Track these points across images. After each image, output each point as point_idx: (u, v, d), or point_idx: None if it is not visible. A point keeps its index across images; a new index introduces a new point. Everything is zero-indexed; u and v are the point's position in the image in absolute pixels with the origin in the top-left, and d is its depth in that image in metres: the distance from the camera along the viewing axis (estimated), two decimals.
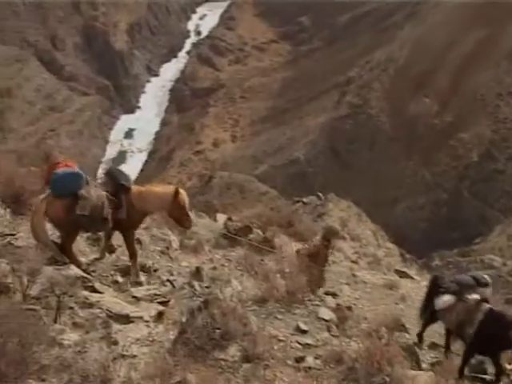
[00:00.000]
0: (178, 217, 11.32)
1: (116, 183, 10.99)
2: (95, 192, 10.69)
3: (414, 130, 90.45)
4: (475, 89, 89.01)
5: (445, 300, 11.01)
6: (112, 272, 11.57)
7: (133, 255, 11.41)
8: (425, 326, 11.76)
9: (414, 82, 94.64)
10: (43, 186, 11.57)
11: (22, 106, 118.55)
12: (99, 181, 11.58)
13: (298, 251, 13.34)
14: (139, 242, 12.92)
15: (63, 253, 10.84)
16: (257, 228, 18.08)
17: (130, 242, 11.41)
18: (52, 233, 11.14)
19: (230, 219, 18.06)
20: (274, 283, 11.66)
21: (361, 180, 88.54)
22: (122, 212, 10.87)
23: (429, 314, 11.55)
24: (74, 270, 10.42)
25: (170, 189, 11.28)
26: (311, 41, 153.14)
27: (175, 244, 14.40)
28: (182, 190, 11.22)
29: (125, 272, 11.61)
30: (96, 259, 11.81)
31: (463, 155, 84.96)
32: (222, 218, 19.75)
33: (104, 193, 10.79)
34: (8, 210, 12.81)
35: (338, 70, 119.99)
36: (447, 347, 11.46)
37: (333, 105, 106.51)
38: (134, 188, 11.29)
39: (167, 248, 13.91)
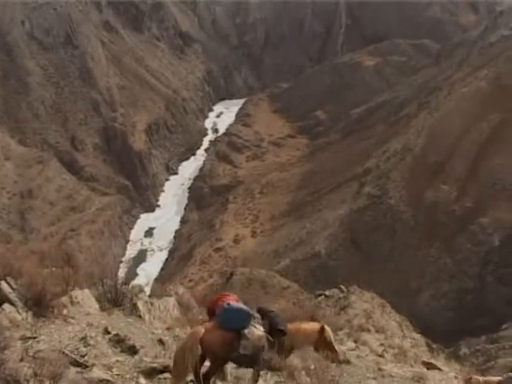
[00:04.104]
0: (324, 352, 11.26)
1: (274, 327, 10.93)
2: (257, 332, 10.65)
3: (433, 218, 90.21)
4: (492, 173, 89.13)
5: None
6: (135, 374, 11.40)
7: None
8: None
9: (431, 170, 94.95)
10: (206, 315, 11.53)
11: (43, 207, 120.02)
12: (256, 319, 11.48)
13: (469, 379, 13.09)
14: (162, 342, 12.79)
15: (204, 377, 10.79)
16: None
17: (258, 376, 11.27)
18: None
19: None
20: (299, 381, 11.43)
21: (383, 270, 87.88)
22: (272, 352, 10.78)
23: None
24: (96, 373, 10.28)
25: (316, 326, 11.31)
26: (327, 134, 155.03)
27: None
28: (327, 327, 11.22)
29: (148, 374, 11.43)
30: None
31: (484, 240, 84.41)
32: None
33: (264, 334, 10.74)
34: (30, 312, 12.77)
35: (355, 162, 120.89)
36: None
37: (352, 196, 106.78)
38: None
39: None
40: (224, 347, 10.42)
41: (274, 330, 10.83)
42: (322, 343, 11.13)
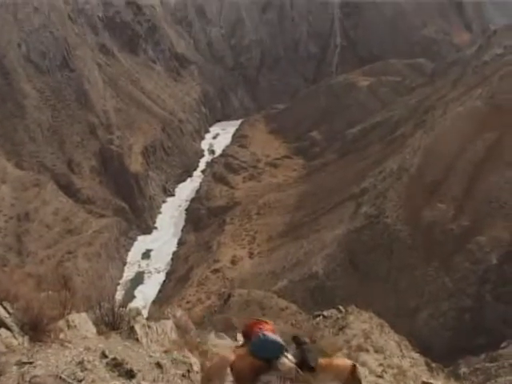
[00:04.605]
0: None
1: (304, 362, 10.92)
2: (288, 363, 10.65)
3: (431, 237, 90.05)
4: (488, 192, 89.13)
5: None
6: None
7: None
8: None
9: (428, 189, 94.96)
10: (242, 337, 11.55)
11: (39, 230, 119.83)
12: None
13: None
14: (159, 365, 12.70)
15: None
16: None
17: None
18: None
19: None
20: None
21: (381, 290, 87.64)
22: None
23: None
24: None
25: (347, 363, 11.21)
26: (323, 154, 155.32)
27: (196, 367, 14.12)
28: (357, 365, 11.19)
29: None
30: None
31: (482, 259, 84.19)
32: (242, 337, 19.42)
33: (294, 366, 10.73)
34: (26, 337, 12.68)
35: (351, 182, 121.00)
36: None
37: (349, 216, 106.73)
38: None
39: (188, 371, 13.62)
40: (252, 374, 10.41)
41: (305, 365, 10.78)
42: (352, 381, 11.10)
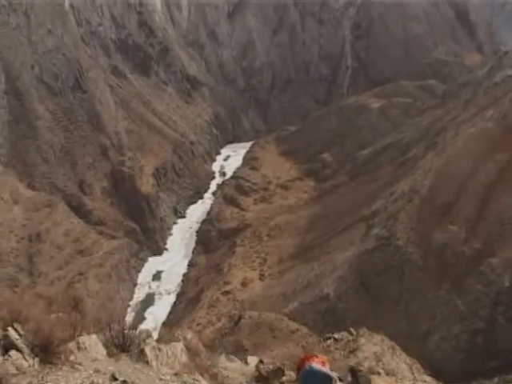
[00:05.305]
0: None
1: None
2: None
3: (442, 259, 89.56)
4: (501, 213, 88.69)
5: None
6: None
7: None
8: None
9: (439, 211, 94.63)
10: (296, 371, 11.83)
11: (50, 251, 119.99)
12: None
13: None
14: None
15: None
16: (289, 369, 17.71)
17: None
18: None
19: (261, 362, 17.73)
20: None
21: (392, 312, 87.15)
22: None
23: None
24: None
25: None
26: (334, 176, 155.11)
27: None
28: None
29: None
30: None
31: (494, 281, 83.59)
32: (253, 360, 19.41)
33: None
34: (36, 358, 12.66)
35: (363, 204, 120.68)
36: None
37: (360, 238, 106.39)
38: None
39: None
40: None
41: None
42: None
